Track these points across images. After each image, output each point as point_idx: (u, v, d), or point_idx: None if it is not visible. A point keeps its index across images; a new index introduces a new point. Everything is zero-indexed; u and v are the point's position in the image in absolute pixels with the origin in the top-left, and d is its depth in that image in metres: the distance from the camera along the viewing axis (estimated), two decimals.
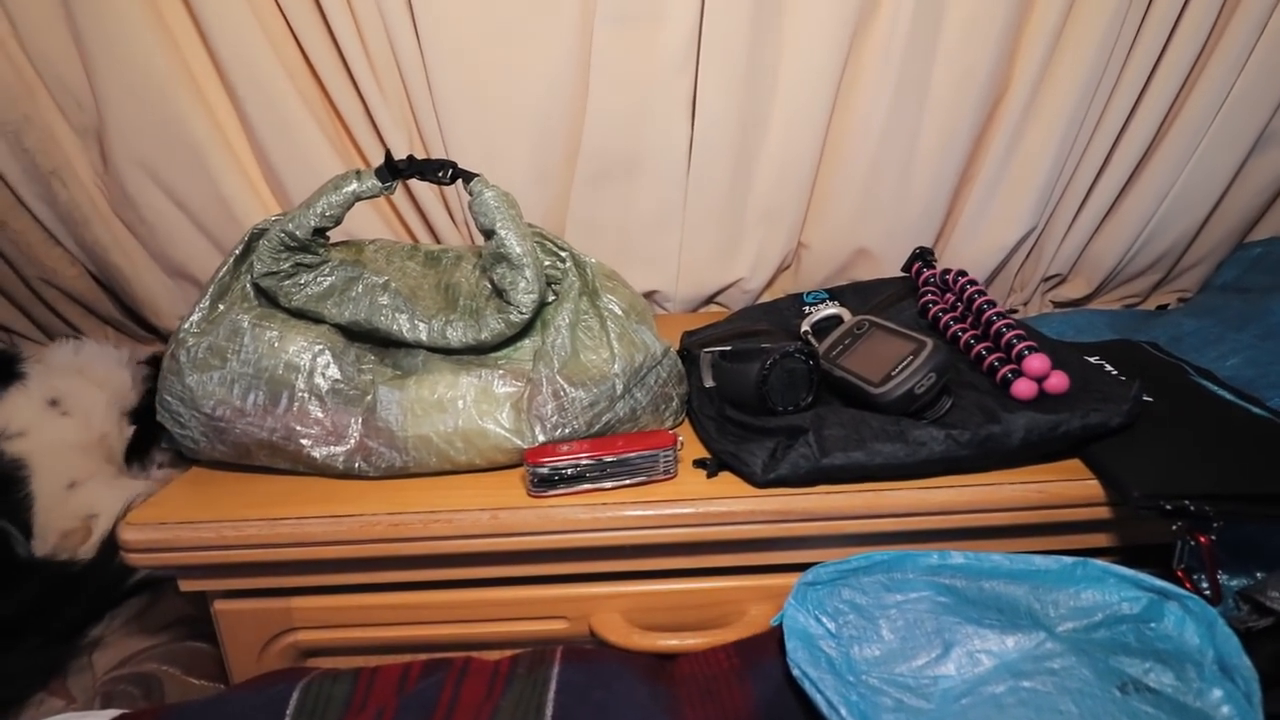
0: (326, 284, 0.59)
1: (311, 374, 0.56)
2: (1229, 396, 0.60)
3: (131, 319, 1.01)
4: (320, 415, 0.55)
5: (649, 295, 1.01)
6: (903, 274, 0.75)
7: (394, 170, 0.58)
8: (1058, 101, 0.85)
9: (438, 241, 0.94)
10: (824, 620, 0.49)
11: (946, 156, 0.89)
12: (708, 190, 0.91)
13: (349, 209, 0.59)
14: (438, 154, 0.87)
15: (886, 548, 0.52)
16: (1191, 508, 0.45)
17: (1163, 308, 0.98)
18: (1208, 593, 0.49)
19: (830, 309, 0.70)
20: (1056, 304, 1.07)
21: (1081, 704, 0.40)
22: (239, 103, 0.82)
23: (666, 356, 0.61)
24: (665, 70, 0.82)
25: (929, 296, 0.67)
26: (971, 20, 0.81)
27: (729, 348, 0.60)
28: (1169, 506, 0.46)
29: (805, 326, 0.69)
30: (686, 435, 0.61)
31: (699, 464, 0.56)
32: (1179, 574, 0.47)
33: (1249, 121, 0.88)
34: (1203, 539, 0.45)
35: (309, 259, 0.59)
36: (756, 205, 0.94)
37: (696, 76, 0.83)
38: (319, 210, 0.57)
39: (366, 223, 0.91)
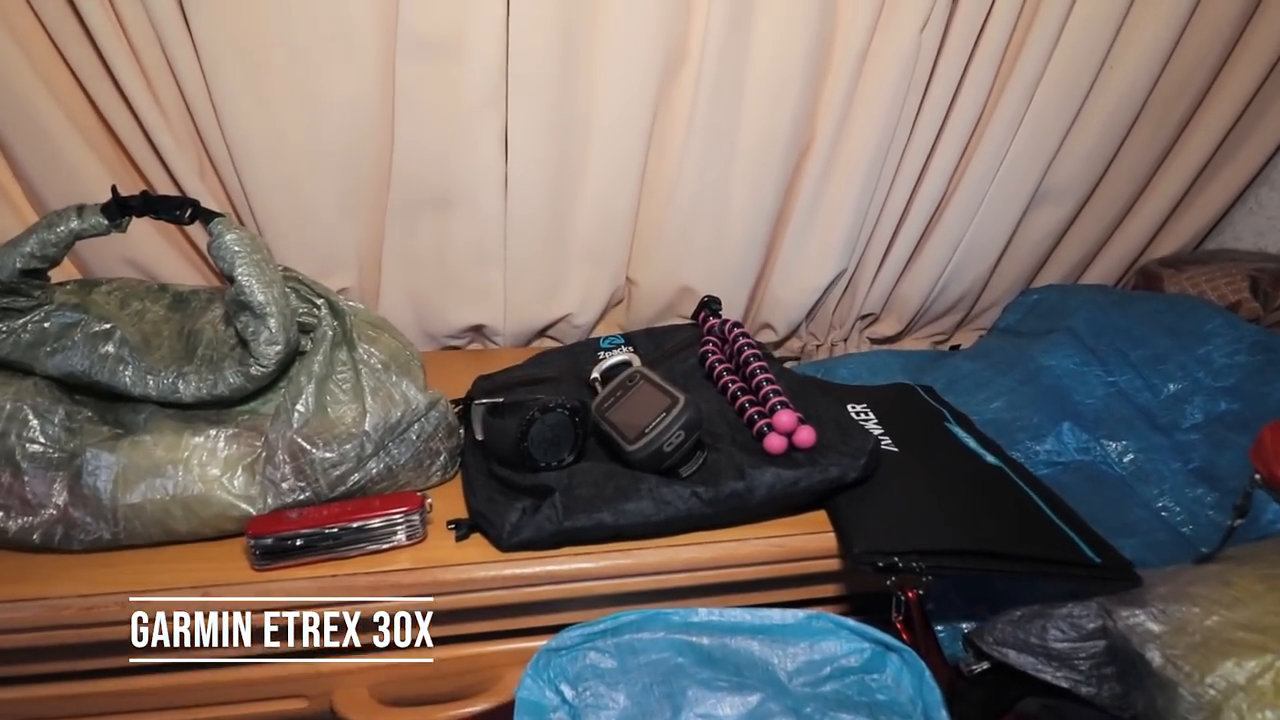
0: (39, 331, 0.53)
1: (5, 435, 0.49)
2: (972, 445, 0.64)
3: None
4: (12, 482, 0.49)
5: (477, 330, 0.99)
6: (693, 321, 0.76)
7: (124, 207, 0.53)
8: (856, 156, 0.91)
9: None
10: (564, 689, 0.48)
11: (758, 202, 0.93)
12: (528, 226, 0.90)
13: (68, 249, 0.53)
14: (230, 179, 0.82)
15: (640, 606, 0.52)
16: (900, 565, 0.48)
17: (955, 348, 1.05)
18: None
19: (621, 355, 0.70)
20: (873, 340, 1.14)
21: None
22: None
23: (434, 409, 0.58)
24: (474, 105, 0.81)
25: (709, 346, 0.69)
26: (772, 76, 0.85)
27: (500, 399, 0.59)
28: (881, 564, 0.48)
29: (595, 374, 0.69)
30: (456, 492, 0.59)
31: (452, 525, 0.54)
32: (898, 626, 0.49)
33: (1023, 182, 0.97)
34: (910, 594, 0.48)
35: (20, 303, 0.53)
36: (580, 243, 0.93)
37: (507, 114, 0.82)
38: (28, 250, 0.51)
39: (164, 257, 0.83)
